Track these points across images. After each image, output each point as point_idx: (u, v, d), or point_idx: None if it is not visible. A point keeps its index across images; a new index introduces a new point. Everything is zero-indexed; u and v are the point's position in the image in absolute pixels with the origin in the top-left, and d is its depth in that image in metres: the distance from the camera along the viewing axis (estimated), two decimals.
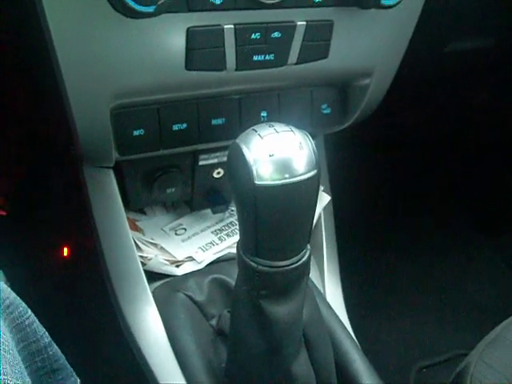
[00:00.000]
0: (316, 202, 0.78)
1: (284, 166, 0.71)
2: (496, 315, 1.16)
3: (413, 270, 2.21)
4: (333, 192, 1.33)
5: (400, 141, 2.26)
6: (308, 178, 0.72)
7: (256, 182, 0.70)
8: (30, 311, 0.79)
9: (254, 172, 0.70)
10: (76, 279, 1.54)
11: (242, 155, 0.71)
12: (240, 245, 0.81)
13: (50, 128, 1.29)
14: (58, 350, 0.85)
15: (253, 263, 0.78)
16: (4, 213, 1.75)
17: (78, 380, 0.91)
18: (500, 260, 2.31)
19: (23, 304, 0.78)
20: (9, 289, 0.77)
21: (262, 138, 0.72)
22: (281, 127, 0.74)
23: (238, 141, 0.74)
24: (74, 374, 0.90)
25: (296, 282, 0.82)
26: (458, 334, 1.96)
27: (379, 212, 2.33)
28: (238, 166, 0.72)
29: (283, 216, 0.74)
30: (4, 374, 0.62)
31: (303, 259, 0.80)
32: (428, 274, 2.21)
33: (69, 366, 0.89)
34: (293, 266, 0.78)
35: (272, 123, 0.75)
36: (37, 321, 0.81)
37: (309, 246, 0.81)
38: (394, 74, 1.14)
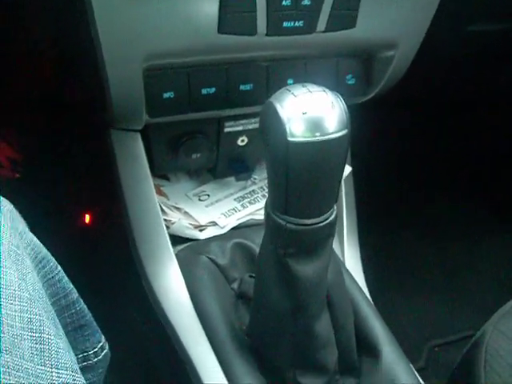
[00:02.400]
0: (345, 162, 0.80)
1: (316, 124, 0.73)
2: (509, 296, 1.17)
3: (429, 249, 2.22)
4: (356, 164, 1.35)
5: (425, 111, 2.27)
6: (339, 137, 0.74)
7: (289, 139, 0.72)
8: (59, 267, 0.80)
9: (288, 129, 0.72)
10: (100, 242, 1.57)
11: (276, 113, 0.73)
12: (269, 203, 0.83)
13: (78, 92, 1.31)
14: (85, 307, 0.86)
15: (281, 220, 0.80)
16: (17, 174, 1.77)
17: (103, 337, 0.93)
18: None
19: (53, 259, 0.80)
20: (40, 244, 0.78)
21: (295, 96, 0.74)
22: (314, 87, 0.76)
23: (272, 99, 0.75)
24: (100, 331, 0.92)
25: (322, 241, 0.83)
26: (471, 314, 1.97)
27: (400, 187, 2.34)
28: (271, 123, 0.74)
29: (313, 173, 0.76)
30: (41, 321, 0.64)
31: (330, 219, 0.81)
32: (443, 254, 2.22)
33: (94, 322, 0.90)
34: (320, 224, 0.80)
35: (305, 84, 0.77)
36: (66, 276, 0.82)
37: (335, 207, 0.83)
38: (417, 47, 1.16)
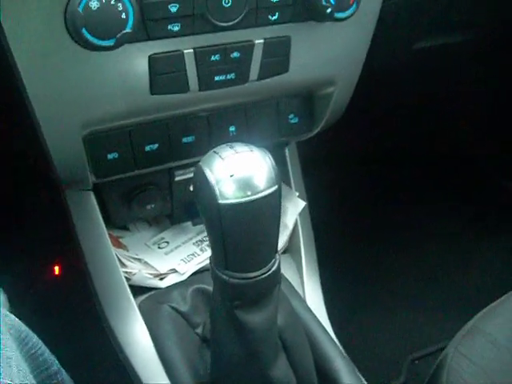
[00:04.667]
0: (279, 216, 0.82)
1: (245, 185, 0.75)
2: (487, 304, 1.19)
3: (399, 263, 2.23)
4: (311, 197, 1.37)
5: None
6: (269, 194, 0.76)
7: (219, 201, 0.75)
8: (40, 342, 0.83)
9: (217, 192, 0.74)
10: (65, 297, 1.59)
11: (205, 177, 0.76)
12: (212, 259, 0.85)
13: (32, 157, 1.33)
14: (67, 376, 0.90)
15: (224, 276, 0.82)
16: None
17: None
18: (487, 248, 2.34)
19: (35, 336, 0.83)
20: (21, 323, 0.81)
21: (222, 159, 0.77)
22: (240, 147, 0.78)
23: (200, 163, 0.78)
24: None
25: (268, 290, 0.86)
26: (448, 322, 1.98)
27: (360, 209, 2.36)
28: (202, 186, 0.77)
29: (248, 231, 0.78)
30: None
31: (273, 269, 0.84)
32: (416, 266, 2.23)
33: None
34: (263, 276, 0.82)
35: (233, 144, 0.79)
36: (47, 350, 0.85)
37: (278, 256, 0.85)
38: (356, 81, 1.18)
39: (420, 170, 2.49)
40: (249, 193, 0.75)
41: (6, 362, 0.70)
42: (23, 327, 0.81)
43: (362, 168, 2.38)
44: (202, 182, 0.77)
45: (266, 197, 0.76)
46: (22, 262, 1.63)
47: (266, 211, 0.78)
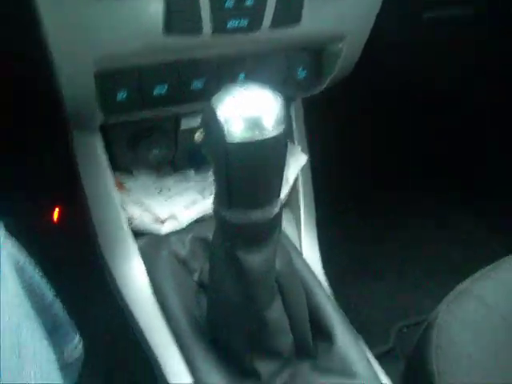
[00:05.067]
0: (285, 158, 0.83)
1: (253, 125, 0.76)
2: None
3: (399, 232, 2.26)
4: (314, 153, 1.39)
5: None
6: (276, 135, 0.77)
7: (227, 140, 0.75)
8: (37, 272, 0.85)
9: (226, 130, 0.75)
10: (66, 240, 1.60)
11: (215, 115, 0.77)
12: (215, 198, 0.86)
13: (39, 93, 1.34)
14: (61, 307, 0.91)
15: (227, 215, 0.83)
16: None
17: (77, 336, 0.97)
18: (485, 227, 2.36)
19: (32, 265, 0.84)
20: (19, 252, 0.82)
21: (233, 97, 0.78)
22: (252, 87, 0.79)
23: (211, 101, 0.79)
24: (75, 330, 0.97)
25: (268, 233, 0.87)
26: (438, 295, 2.02)
27: (363, 173, 2.37)
28: (211, 124, 0.77)
29: (253, 171, 0.79)
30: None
31: (274, 211, 0.85)
32: (407, 237, 2.26)
33: (70, 321, 0.95)
34: (264, 217, 0.84)
35: (244, 84, 0.80)
36: (43, 280, 0.87)
37: (280, 199, 0.87)
38: (365, 40, 1.19)
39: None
40: (257, 133, 0.76)
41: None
42: (20, 255, 0.82)
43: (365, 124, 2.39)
44: (211, 119, 0.77)
45: (273, 138, 0.77)
46: (23, 202, 1.64)
47: (272, 152, 0.79)
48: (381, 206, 2.32)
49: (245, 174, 0.80)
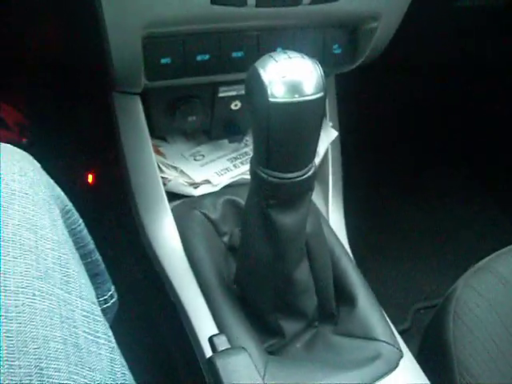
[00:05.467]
0: (321, 123, 0.88)
1: (294, 87, 0.80)
2: None
3: (417, 214, 2.29)
4: (344, 131, 1.43)
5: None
6: (315, 99, 0.81)
7: (270, 99, 0.80)
8: (81, 219, 0.89)
9: (269, 91, 0.80)
10: (103, 198, 1.66)
11: (259, 76, 0.81)
12: (253, 158, 0.91)
13: (82, 55, 1.39)
14: (100, 257, 0.96)
15: (264, 174, 0.87)
16: (24, 139, 1.85)
17: (113, 287, 1.03)
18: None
19: (77, 213, 0.88)
20: (66, 198, 0.86)
21: (276, 61, 0.82)
22: (294, 54, 0.83)
23: (256, 64, 0.83)
24: (111, 281, 1.02)
25: (301, 194, 0.91)
26: (456, 278, 2.05)
27: (388, 152, 2.41)
28: (255, 85, 0.82)
29: (292, 131, 0.84)
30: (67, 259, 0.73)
31: (308, 174, 0.89)
32: (431, 220, 2.29)
33: (107, 272, 1.00)
34: (299, 178, 0.88)
35: (287, 51, 0.85)
36: (86, 228, 0.91)
37: (315, 163, 0.91)
38: (400, 20, 1.23)
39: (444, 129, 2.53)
40: (296, 95, 0.80)
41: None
42: (67, 201, 0.86)
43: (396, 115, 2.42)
44: (255, 80, 0.82)
45: (313, 100, 0.81)
46: (62, 160, 1.70)
47: (310, 115, 0.83)
48: (401, 190, 2.36)
49: (284, 135, 0.84)
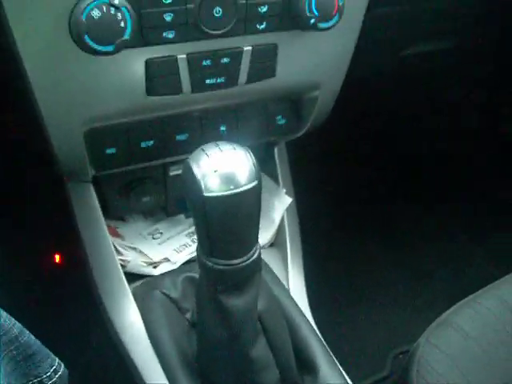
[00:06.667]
0: (259, 209, 0.90)
1: (227, 179, 0.83)
2: None
3: (385, 260, 2.30)
4: (299, 194, 1.45)
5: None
6: (250, 188, 0.84)
7: (204, 194, 0.82)
8: None
9: (203, 185, 0.82)
10: (64, 285, 1.67)
11: (192, 172, 0.84)
12: (198, 247, 0.93)
13: (35, 150, 1.41)
14: (31, 337, 0.94)
15: (209, 263, 0.90)
16: None
17: (56, 361, 1.02)
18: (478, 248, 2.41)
19: None
20: None
21: (208, 156, 0.84)
22: (225, 146, 0.86)
23: (188, 159, 0.86)
24: (52, 355, 1.00)
25: (249, 276, 0.93)
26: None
27: (348, 206, 2.43)
28: (189, 180, 0.84)
29: (230, 221, 0.86)
30: None
31: (253, 257, 0.91)
32: (404, 261, 2.30)
33: (45, 349, 0.98)
34: (244, 263, 0.90)
35: (219, 142, 0.87)
36: (4, 314, 0.89)
37: (258, 245, 0.93)
38: (340, 85, 1.26)
39: (408, 169, 2.56)
40: (231, 187, 0.82)
41: None
42: None
43: (351, 167, 2.45)
44: (189, 176, 0.84)
45: (246, 191, 0.83)
46: (24, 251, 1.71)
47: (247, 204, 0.86)
48: (370, 227, 2.38)
49: (223, 224, 0.86)
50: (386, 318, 2.09)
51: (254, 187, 0.85)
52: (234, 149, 0.86)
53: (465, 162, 2.57)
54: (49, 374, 0.99)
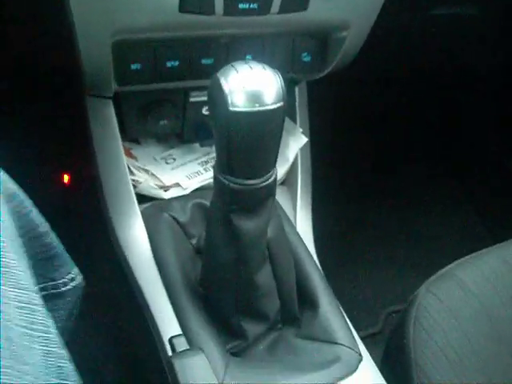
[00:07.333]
0: (281, 132, 0.90)
1: (254, 97, 0.82)
2: None
3: (390, 218, 2.31)
4: (315, 136, 1.45)
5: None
6: (274, 109, 0.84)
7: (230, 109, 0.82)
8: (28, 202, 0.87)
9: (229, 100, 0.82)
10: (75, 202, 1.68)
11: (220, 85, 0.84)
12: (215, 165, 0.93)
13: (55, 60, 1.41)
14: (56, 240, 0.94)
15: (225, 180, 0.90)
16: None
17: (75, 270, 1.01)
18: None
19: (24, 195, 0.86)
20: (10, 181, 0.84)
21: (237, 72, 0.85)
22: (255, 64, 0.86)
23: (217, 74, 0.86)
24: (72, 263, 1.00)
25: (262, 200, 0.94)
26: None
27: (360, 158, 2.43)
28: (216, 94, 0.84)
29: (251, 140, 0.86)
30: (3, 247, 0.72)
31: (269, 180, 0.92)
32: (405, 223, 2.31)
33: (66, 255, 0.98)
34: (260, 185, 0.90)
35: (249, 60, 0.87)
36: (35, 210, 0.89)
37: (275, 170, 0.94)
38: (369, 29, 1.25)
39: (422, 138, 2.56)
40: (257, 104, 0.83)
41: None
42: (9, 185, 0.84)
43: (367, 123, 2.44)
44: (216, 89, 0.84)
45: (271, 110, 0.83)
46: (36, 165, 1.71)
47: (270, 124, 0.86)
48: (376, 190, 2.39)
49: (244, 143, 0.86)
50: (383, 277, 2.11)
51: (278, 108, 0.85)
52: (264, 68, 0.86)
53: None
54: (65, 280, 0.99)
